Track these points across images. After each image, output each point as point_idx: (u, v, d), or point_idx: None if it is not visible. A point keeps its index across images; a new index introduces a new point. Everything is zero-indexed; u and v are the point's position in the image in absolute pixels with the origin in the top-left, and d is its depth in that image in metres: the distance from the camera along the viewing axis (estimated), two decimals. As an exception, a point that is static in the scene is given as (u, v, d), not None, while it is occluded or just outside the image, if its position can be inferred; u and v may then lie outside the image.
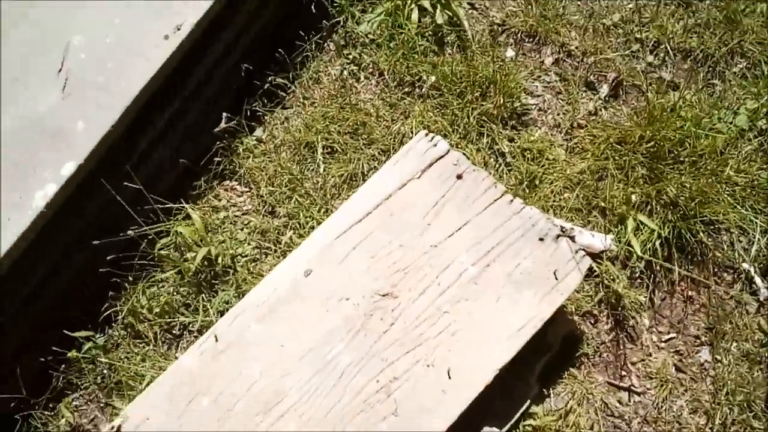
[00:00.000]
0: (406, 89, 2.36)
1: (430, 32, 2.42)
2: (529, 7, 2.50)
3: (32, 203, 1.82)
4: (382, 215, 1.90)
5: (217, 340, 1.77)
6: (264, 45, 2.35)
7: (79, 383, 2.04)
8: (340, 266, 1.84)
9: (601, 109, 2.32)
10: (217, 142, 2.22)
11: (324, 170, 2.23)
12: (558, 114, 2.33)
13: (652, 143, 2.13)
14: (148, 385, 1.87)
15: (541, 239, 1.84)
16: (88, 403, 2.05)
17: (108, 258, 1.99)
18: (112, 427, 1.68)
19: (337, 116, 2.29)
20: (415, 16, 2.42)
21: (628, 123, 2.23)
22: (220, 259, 2.10)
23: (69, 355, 1.98)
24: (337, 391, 1.70)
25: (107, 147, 1.91)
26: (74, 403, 2.04)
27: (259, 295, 1.83)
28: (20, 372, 1.91)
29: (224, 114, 2.19)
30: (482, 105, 2.27)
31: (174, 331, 2.09)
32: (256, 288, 1.86)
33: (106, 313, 2.07)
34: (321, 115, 2.30)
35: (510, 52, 2.45)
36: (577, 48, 2.42)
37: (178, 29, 2.00)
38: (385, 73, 2.38)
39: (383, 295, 1.80)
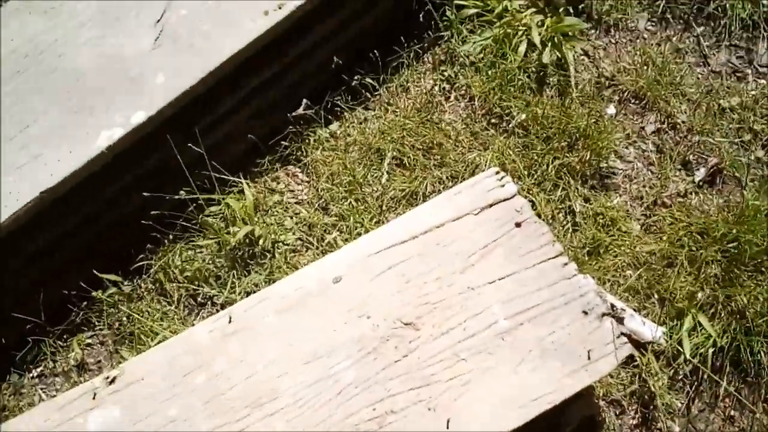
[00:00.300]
0: (493, 120, 2.28)
1: (533, 69, 2.33)
2: (645, 68, 2.37)
3: (96, 142, 1.84)
4: (428, 242, 1.83)
5: (230, 322, 1.75)
6: (361, 43, 2.31)
7: (96, 324, 2.07)
8: (371, 282, 1.78)
9: (691, 193, 2.17)
10: (290, 127, 2.20)
11: (387, 181, 2.18)
12: (644, 186, 2.19)
13: (736, 244, 1.98)
14: (158, 344, 1.87)
15: (585, 312, 1.72)
16: (99, 345, 2.07)
17: (154, 212, 2.00)
18: (107, 377, 1.68)
19: (415, 130, 2.23)
20: (522, 49, 2.33)
21: (715, 215, 2.07)
22: (261, 241, 2.08)
23: (93, 294, 2.00)
24: (331, 406, 1.65)
25: (181, 105, 1.92)
26: (87, 341, 2.07)
27: (284, 287, 1.80)
28: (43, 298, 1.95)
29: (304, 100, 2.17)
30: (566, 156, 2.17)
31: (198, 299, 2.09)
32: (285, 280, 1.83)
33: (139, 264, 2.09)
34: (400, 125, 2.24)
35: (611, 110, 2.33)
36: (683, 122, 2.28)
37: (279, 8, 1.98)
38: (476, 99, 2.30)
39: (405, 324, 1.73)
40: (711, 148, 2.23)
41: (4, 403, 2.01)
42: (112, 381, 1.70)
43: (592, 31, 2.49)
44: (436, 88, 2.35)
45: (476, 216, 1.86)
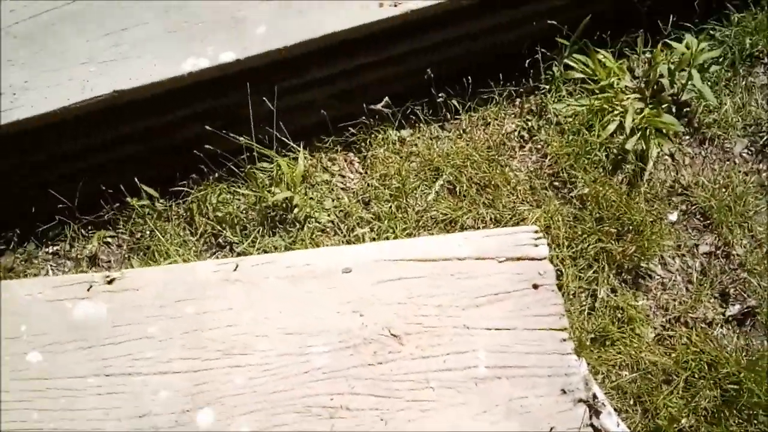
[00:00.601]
0: (555, 183, 2.28)
1: (614, 150, 2.32)
2: (723, 190, 2.32)
3: (181, 65, 1.94)
4: (445, 269, 1.84)
5: (235, 269, 1.81)
6: (459, 66, 2.34)
7: (121, 227, 2.17)
8: (376, 285, 1.81)
9: (717, 324, 2.12)
10: (363, 117, 2.25)
11: (433, 200, 2.21)
12: (674, 299, 2.16)
13: (737, 386, 1.93)
14: (167, 264, 1.95)
15: (564, 391, 1.71)
16: (116, 246, 2.17)
17: (209, 147, 2.09)
18: (107, 276, 1.76)
19: (479, 164, 2.26)
20: (611, 128, 2.32)
21: (730, 353, 2.03)
22: (296, 210, 2.14)
23: (128, 199, 2.10)
24: (294, 381, 1.68)
25: (270, 60, 2.00)
26: (107, 239, 2.17)
27: (297, 258, 1.84)
28: (82, 186, 2.06)
29: (386, 98, 2.22)
30: (611, 243, 2.15)
31: (219, 240, 2.16)
32: (300, 252, 1.88)
33: (178, 189, 2.19)
34: (467, 154, 2.27)
35: (673, 216, 2.29)
36: (738, 255, 2.23)
37: (395, 6, 2.04)
38: (548, 157, 2.31)
39: (392, 335, 1.75)
40: (754, 290, 2.17)
41: (14, 266, 2.13)
42: (111, 281, 1.79)
43: (687, 137, 2.45)
44: (515, 133, 2.36)
45: (500, 263, 1.86)
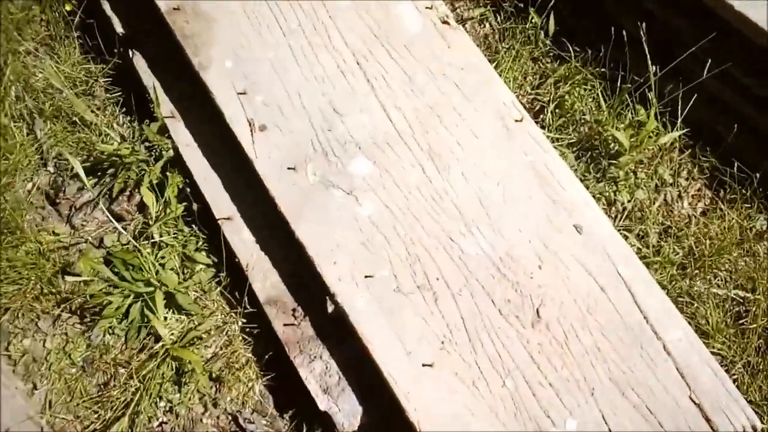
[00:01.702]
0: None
1: None
2: None
3: None
4: (641, 334, 1.52)
5: (519, 120, 1.66)
6: None
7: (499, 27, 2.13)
8: (577, 264, 1.57)
9: None
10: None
11: (715, 298, 1.79)
12: None
13: None
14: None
15: None
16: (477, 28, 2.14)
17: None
18: (447, 17, 1.72)
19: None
20: None
21: None
22: (615, 166, 1.91)
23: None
24: (438, 233, 1.57)
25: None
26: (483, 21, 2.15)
27: (565, 178, 1.65)
28: None
29: None
30: None
31: (541, 110, 2.03)
32: (579, 184, 1.67)
33: (568, 46, 2.05)
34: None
35: None
36: None
37: None
38: None
39: (536, 311, 1.52)
40: None
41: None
42: (445, 22, 1.78)
43: None
44: None
45: (686, 396, 1.50)
